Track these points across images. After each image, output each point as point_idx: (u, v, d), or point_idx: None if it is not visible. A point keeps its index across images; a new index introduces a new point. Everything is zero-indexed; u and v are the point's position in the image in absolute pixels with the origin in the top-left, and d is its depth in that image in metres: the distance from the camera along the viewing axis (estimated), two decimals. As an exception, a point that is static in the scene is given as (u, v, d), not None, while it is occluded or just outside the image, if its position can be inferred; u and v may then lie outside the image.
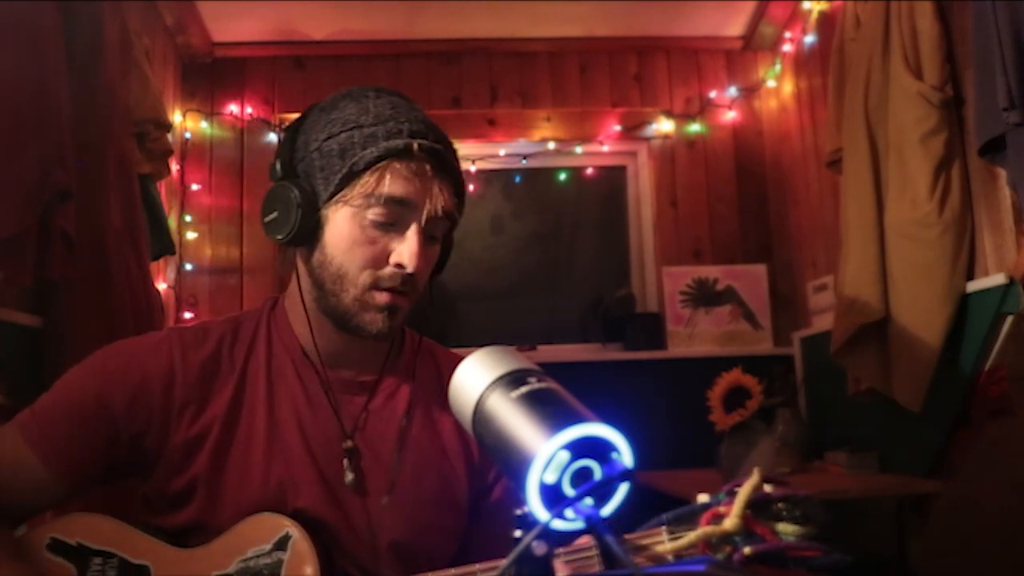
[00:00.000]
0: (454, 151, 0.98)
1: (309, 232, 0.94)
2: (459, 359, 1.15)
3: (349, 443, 0.98)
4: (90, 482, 0.95)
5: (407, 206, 0.93)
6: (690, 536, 0.68)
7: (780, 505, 0.70)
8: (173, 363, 0.96)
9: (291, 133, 0.99)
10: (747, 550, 0.66)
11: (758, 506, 0.69)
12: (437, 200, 0.93)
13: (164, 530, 0.95)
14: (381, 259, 0.94)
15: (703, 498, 0.73)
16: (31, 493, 0.92)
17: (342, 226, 0.93)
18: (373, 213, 0.92)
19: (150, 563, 0.91)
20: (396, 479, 0.99)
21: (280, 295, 1.08)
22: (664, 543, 0.72)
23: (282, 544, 0.90)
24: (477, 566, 0.83)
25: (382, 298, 0.94)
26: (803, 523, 0.69)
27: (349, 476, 0.97)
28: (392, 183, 0.91)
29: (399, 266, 0.93)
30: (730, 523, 0.67)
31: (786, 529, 0.68)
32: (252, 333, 1.03)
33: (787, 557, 0.67)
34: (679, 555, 0.71)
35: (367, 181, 0.91)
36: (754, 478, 0.69)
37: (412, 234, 0.93)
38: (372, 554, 0.96)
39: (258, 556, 0.90)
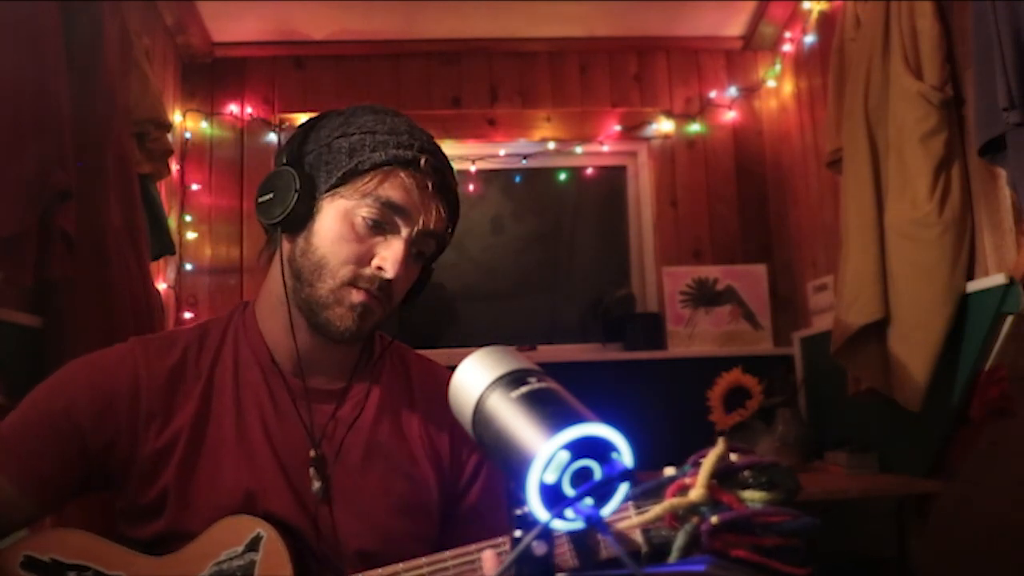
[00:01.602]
0: (456, 180, 1.01)
1: (300, 219, 0.95)
2: (429, 363, 1.15)
3: (315, 452, 0.98)
4: (61, 498, 0.94)
5: (401, 213, 0.94)
6: (656, 509, 0.68)
7: (746, 473, 0.69)
8: (138, 374, 0.95)
9: (305, 129, 1.00)
10: (714, 519, 0.65)
11: (724, 475, 0.69)
12: (431, 216, 0.95)
13: (140, 541, 0.95)
14: (364, 258, 0.94)
15: (669, 471, 0.72)
16: (1, 513, 0.91)
17: (333, 218, 0.94)
18: (366, 211, 0.93)
19: (124, 573, 0.91)
20: (364, 487, 0.98)
21: (251, 300, 1.07)
22: (631, 517, 0.72)
23: (254, 545, 0.90)
24: (447, 553, 0.83)
25: (357, 296, 0.94)
26: (769, 489, 0.68)
27: (316, 485, 0.97)
28: (392, 188, 0.93)
29: (380, 269, 0.94)
30: (695, 494, 0.67)
31: (753, 496, 0.68)
32: (219, 340, 1.02)
33: (754, 524, 0.66)
34: (646, 528, 0.71)
35: (368, 181, 0.93)
36: (718, 447, 0.69)
37: (399, 242, 0.94)
38: (342, 562, 0.96)
39: (231, 559, 0.90)
